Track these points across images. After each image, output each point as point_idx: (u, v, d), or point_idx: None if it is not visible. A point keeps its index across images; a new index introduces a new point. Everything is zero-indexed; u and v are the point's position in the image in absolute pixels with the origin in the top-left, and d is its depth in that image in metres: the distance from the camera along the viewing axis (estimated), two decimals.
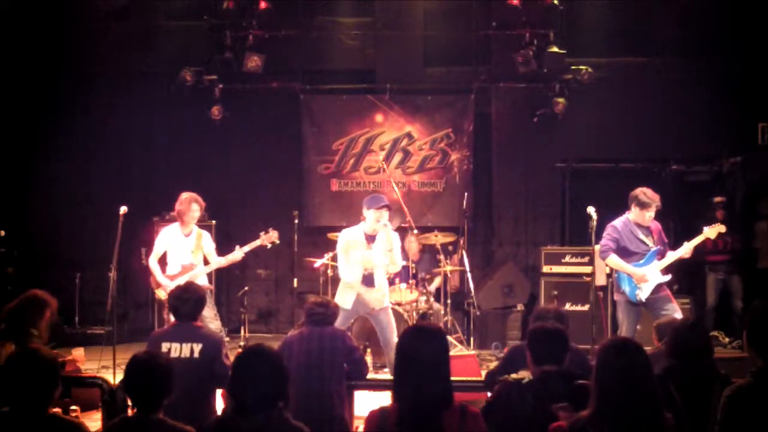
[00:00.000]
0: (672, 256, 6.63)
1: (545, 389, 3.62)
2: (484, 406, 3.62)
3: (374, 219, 6.44)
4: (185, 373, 4.38)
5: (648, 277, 6.52)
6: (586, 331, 7.19)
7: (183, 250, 7.25)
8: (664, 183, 9.32)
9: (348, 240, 6.57)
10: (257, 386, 3.06)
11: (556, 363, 3.75)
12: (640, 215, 6.62)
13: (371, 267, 6.53)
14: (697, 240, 6.67)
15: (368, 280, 6.53)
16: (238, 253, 7.40)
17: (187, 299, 4.71)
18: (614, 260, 6.58)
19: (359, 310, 6.55)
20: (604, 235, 6.69)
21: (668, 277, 6.64)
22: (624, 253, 6.62)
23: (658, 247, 6.65)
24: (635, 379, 2.93)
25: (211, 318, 7.16)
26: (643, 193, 6.60)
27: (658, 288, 6.58)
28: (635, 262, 6.58)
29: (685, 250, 6.65)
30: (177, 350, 4.53)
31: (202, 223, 9.52)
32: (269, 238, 7.51)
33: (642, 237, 6.66)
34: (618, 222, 6.70)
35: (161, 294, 7.19)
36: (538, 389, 3.64)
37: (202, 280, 7.25)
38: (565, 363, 4.02)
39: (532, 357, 3.82)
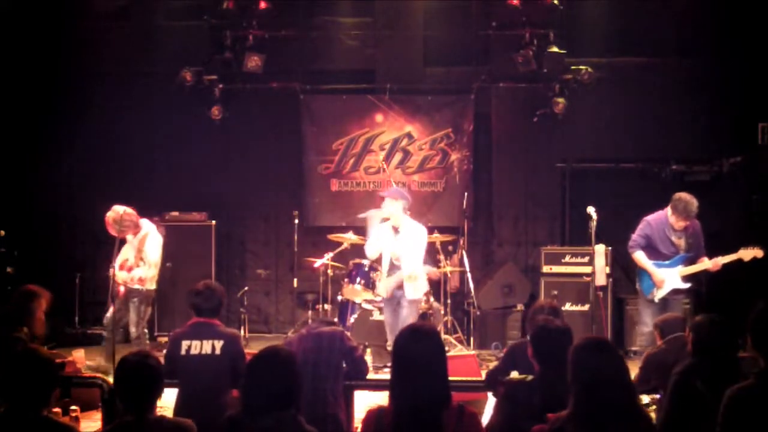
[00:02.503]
0: (698, 267, 6.65)
1: (550, 387, 3.65)
2: (496, 407, 3.63)
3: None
4: (205, 369, 4.51)
5: (667, 282, 6.59)
6: (586, 331, 7.21)
7: (131, 249, 7.31)
8: (664, 183, 9.31)
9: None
10: (269, 390, 3.07)
11: (559, 361, 3.72)
12: (672, 218, 6.66)
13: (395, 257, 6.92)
14: (729, 258, 6.65)
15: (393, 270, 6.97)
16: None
17: (209, 297, 4.75)
18: (639, 256, 6.70)
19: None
20: (637, 229, 6.77)
21: (688, 285, 6.68)
22: (652, 250, 6.67)
23: (688, 254, 6.65)
24: (610, 378, 2.95)
25: (132, 321, 7.25)
26: (680, 199, 6.60)
27: (677, 291, 6.65)
28: (660, 262, 6.65)
29: (713, 263, 6.63)
30: (197, 347, 4.58)
31: (202, 223, 9.59)
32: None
33: (674, 238, 6.69)
34: (653, 218, 6.75)
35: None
36: (543, 387, 3.68)
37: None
38: None
39: (535, 355, 3.85)
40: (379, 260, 7.35)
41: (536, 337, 3.92)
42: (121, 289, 7.14)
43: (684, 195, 6.62)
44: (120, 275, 7.25)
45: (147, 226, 7.28)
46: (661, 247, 6.66)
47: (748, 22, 9.10)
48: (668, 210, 6.67)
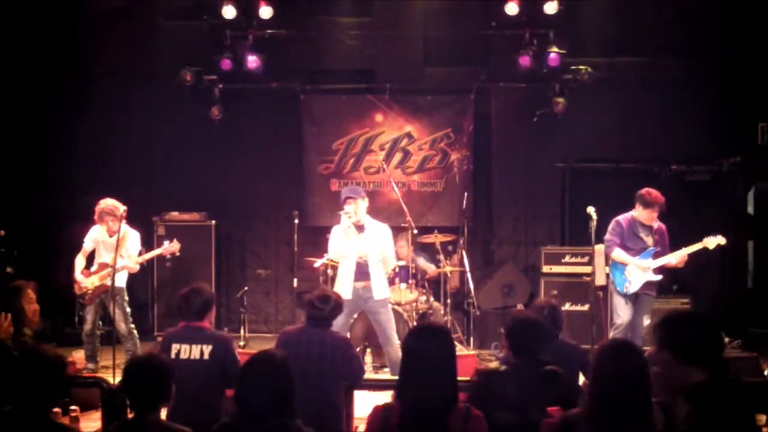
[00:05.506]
0: (665, 259, 6.84)
1: (521, 376, 3.77)
2: (467, 397, 3.68)
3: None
4: (195, 374, 4.44)
5: (642, 272, 6.81)
6: (586, 331, 7.21)
7: (107, 249, 7.42)
8: (664, 183, 9.30)
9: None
10: (264, 395, 3.05)
11: (530, 351, 3.96)
12: (643, 214, 6.88)
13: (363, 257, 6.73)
14: (694, 248, 6.83)
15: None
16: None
17: (191, 299, 4.69)
18: (618, 253, 6.90)
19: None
20: (609, 229, 6.98)
21: (659, 277, 6.88)
22: (622, 248, 6.91)
23: (657, 248, 6.84)
24: (630, 383, 2.93)
25: (119, 319, 7.34)
26: (648, 193, 6.85)
27: (650, 286, 6.83)
28: (630, 258, 6.87)
29: (680, 255, 6.84)
30: (186, 352, 4.53)
31: (202, 223, 9.60)
32: (171, 248, 7.63)
33: (642, 235, 6.93)
34: (622, 217, 6.98)
35: (77, 289, 7.52)
36: (516, 377, 3.78)
37: (120, 279, 7.32)
38: (571, 359, 4.26)
39: (510, 346, 4.04)
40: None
41: (510, 329, 4.08)
42: (113, 282, 7.12)
43: (648, 189, 6.89)
44: (91, 280, 7.43)
45: (124, 225, 7.32)
46: (629, 244, 6.91)
47: (747, 22, 9.10)
48: (638, 208, 6.90)
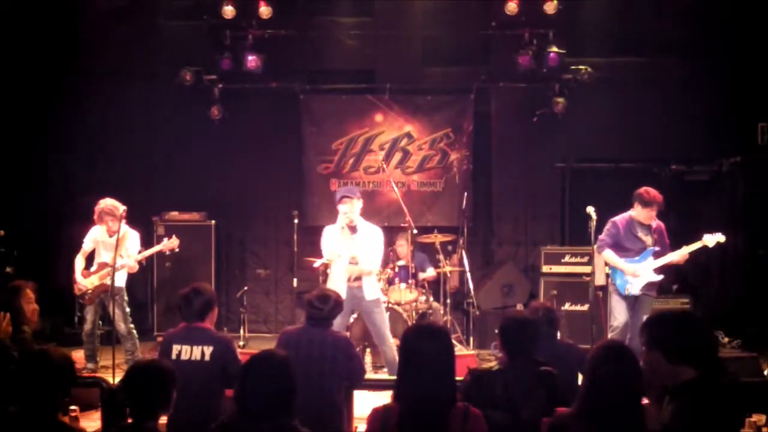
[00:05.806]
0: (666, 258, 6.81)
1: (514, 376, 3.76)
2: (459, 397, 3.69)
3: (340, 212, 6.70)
4: (196, 375, 4.41)
5: (639, 273, 6.75)
6: (585, 330, 7.22)
7: (107, 249, 7.43)
8: (664, 183, 9.31)
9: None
10: (264, 395, 3.05)
11: (524, 351, 3.93)
12: (642, 213, 6.83)
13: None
14: (695, 246, 6.83)
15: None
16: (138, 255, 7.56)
17: (192, 300, 4.65)
18: (608, 255, 6.86)
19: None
20: (605, 229, 6.94)
21: (660, 277, 6.84)
22: (620, 249, 6.85)
23: (656, 247, 6.81)
24: (623, 385, 2.94)
25: (119, 319, 7.34)
26: (646, 192, 6.80)
27: (650, 287, 6.80)
28: (630, 258, 6.81)
29: (680, 254, 6.81)
30: (188, 353, 4.50)
31: (202, 223, 9.61)
32: (170, 244, 7.65)
33: (641, 235, 6.89)
34: (619, 218, 6.92)
35: (77, 290, 7.52)
36: (507, 376, 3.78)
37: (120, 279, 7.31)
38: (569, 358, 4.29)
39: (502, 346, 4.00)
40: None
41: (502, 329, 4.04)
42: (112, 281, 7.08)
43: (645, 187, 6.84)
44: (91, 281, 7.43)
45: (124, 225, 7.33)
46: (628, 245, 6.85)
47: (748, 22, 9.10)
48: (633, 208, 6.86)
